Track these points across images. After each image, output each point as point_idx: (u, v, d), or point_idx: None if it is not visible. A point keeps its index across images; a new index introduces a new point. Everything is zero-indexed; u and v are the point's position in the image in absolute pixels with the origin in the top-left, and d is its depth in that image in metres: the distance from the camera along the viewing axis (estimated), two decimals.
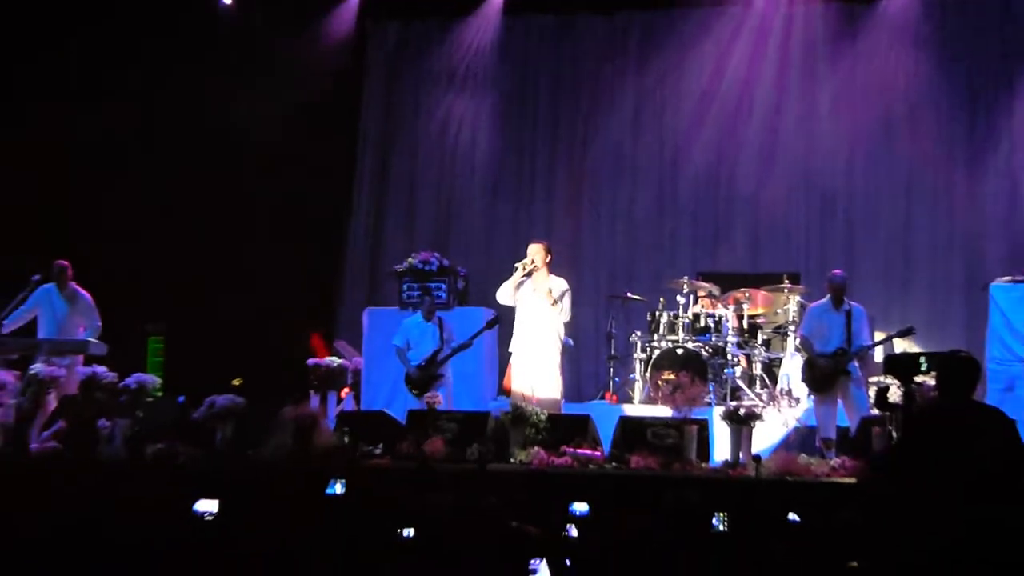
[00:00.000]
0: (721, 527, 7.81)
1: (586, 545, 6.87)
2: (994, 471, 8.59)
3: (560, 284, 15.35)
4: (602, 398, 17.36)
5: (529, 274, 15.29)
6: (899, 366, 13.03)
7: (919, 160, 19.43)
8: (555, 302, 14.95)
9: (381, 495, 7.74)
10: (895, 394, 12.67)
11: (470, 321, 16.06)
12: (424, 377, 15.37)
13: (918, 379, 12.48)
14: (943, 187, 19.34)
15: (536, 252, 15.43)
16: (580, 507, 8.88)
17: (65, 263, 15.76)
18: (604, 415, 15.08)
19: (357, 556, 6.01)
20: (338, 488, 8.47)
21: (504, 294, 15.43)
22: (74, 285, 15.78)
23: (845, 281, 14.77)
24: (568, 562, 6.02)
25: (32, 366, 14.77)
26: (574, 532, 7.95)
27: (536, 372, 15.28)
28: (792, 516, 8.25)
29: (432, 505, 7.33)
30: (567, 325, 15.43)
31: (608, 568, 6.22)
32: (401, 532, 6.90)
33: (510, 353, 15.79)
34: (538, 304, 15.35)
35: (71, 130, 18.89)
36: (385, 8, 21.32)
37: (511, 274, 15.69)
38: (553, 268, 15.59)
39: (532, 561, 6.01)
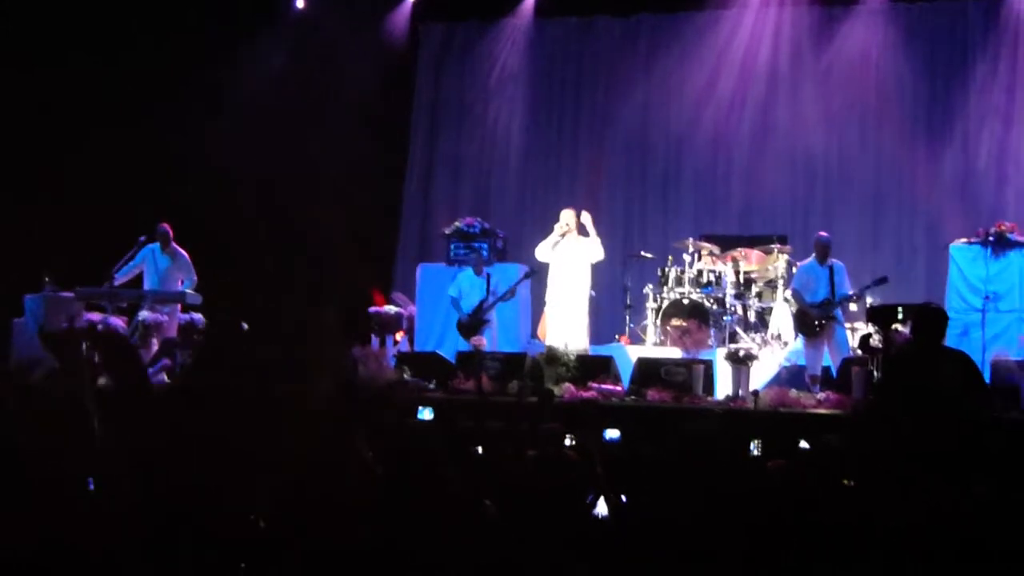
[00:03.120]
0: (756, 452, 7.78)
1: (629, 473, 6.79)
2: (960, 401, 8.63)
3: (593, 240, 15.50)
4: (617, 341, 17.32)
5: (563, 235, 15.42)
6: (879, 315, 13.09)
7: (887, 140, 19.37)
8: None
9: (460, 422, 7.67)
10: (875, 339, 12.69)
11: (508, 275, 16.09)
12: (473, 323, 15.41)
13: (895, 327, 12.52)
14: (907, 163, 19.24)
15: (569, 216, 15.60)
16: (612, 434, 8.84)
17: (167, 227, 15.76)
18: (619, 356, 15.14)
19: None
20: (427, 414, 8.41)
21: (543, 252, 15.60)
22: (175, 245, 15.78)
23: (829, 242, 14.84)
24: (624, 498, 5.94)
25: (139, 313, 14.84)
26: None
27: (567, 321, 15.39)
28: (803, 444, 8.21)
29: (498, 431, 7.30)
30: (593, 268, 15.63)
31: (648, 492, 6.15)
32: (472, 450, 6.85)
33: (545, 303, 15.89)
34: (571, 262, 15.46)
35: (166, 118, 18.86)
36: (434, 11, 21.28)
37: (544, 235, 15.77)
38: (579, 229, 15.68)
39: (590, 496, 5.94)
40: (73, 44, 18.41)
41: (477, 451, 6.87)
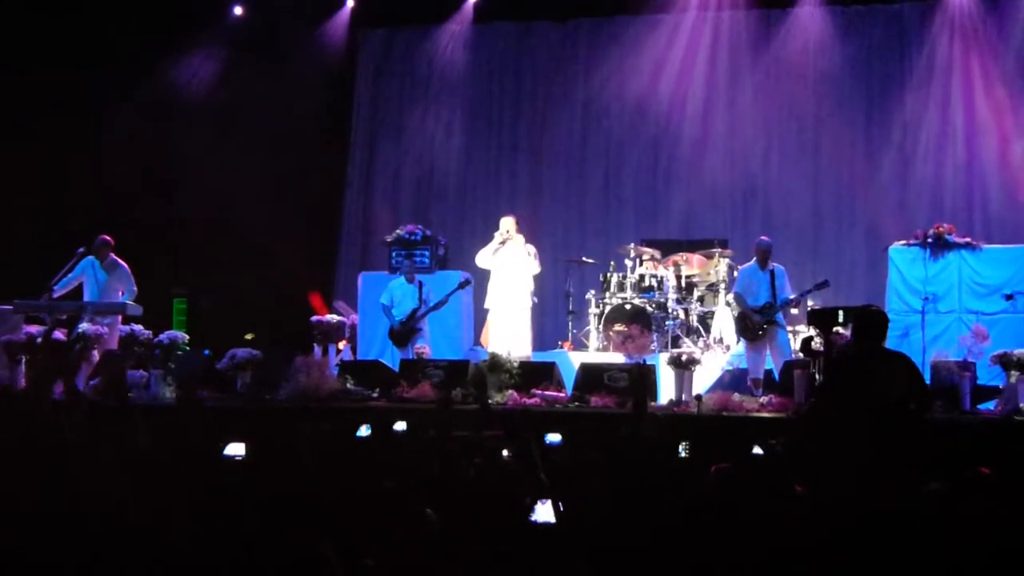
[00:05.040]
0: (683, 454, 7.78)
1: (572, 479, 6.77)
2: (901, 402, 8.66)
3: (530, 248, 15.58)
4: (560, 347, 17.34)
5: (503, 243, 15.45)
6: (821, 318, 13.16)
7: (825, 142, 19.54)
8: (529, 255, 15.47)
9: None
10: (817, 342, 12.75)
11: (450, 282, 16.01)
12: (404, 332, 15.38)
13: (836, 329, 12.58)
14: (845, 165, 19.41)
15: (509, 224, 15.64)
16: (553, 437, 8.83)
17: (107, 238, 15.61)
18: (562, 362, 15.15)
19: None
20: (363, 431, 8.35)
21: (483, 259, 15.65)
22: (114, 256, 15.63)
23: (770, 246, 14.87)
24: (561, 506, 5.90)
25: (79, 325, 14.70)
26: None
27: (510, 328, 15.42)
28: (756, 450, 8.21)
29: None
30: (534, 279, 15.69)
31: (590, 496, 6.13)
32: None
33: (487, 309, 15.89)
34: (513, 269, 15.49)
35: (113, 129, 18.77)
36: (373, 17, 21.22)
37: (484, 242, 15.78)
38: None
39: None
40: (23, 53, 18.37)
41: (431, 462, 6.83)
